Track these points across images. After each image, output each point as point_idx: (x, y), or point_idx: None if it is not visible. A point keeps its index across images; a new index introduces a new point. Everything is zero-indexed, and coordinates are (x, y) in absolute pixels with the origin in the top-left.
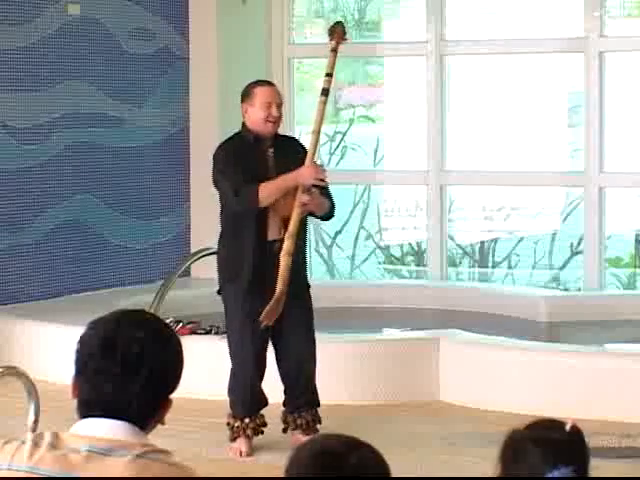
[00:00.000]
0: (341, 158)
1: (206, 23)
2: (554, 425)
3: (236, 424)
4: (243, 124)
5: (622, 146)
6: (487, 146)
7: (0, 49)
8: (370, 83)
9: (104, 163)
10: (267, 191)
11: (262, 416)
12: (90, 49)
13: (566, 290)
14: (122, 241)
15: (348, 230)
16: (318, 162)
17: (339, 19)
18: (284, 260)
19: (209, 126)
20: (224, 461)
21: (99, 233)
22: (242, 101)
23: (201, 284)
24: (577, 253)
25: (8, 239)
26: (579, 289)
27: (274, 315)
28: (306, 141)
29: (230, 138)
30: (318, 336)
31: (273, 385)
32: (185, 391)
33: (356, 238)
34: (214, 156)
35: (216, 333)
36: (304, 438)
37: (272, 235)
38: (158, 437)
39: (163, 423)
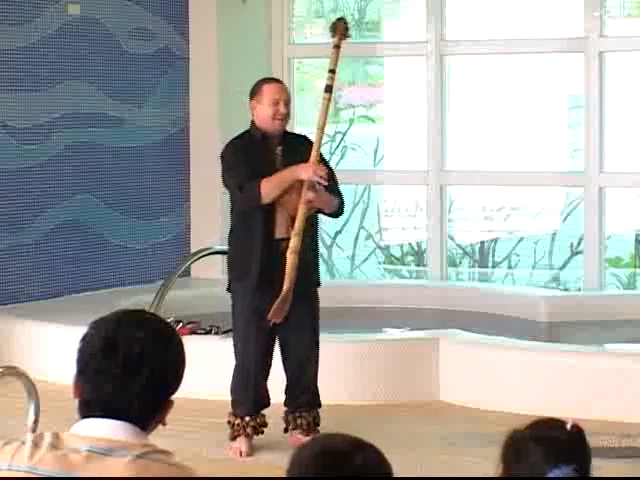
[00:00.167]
0: (341, 158)
1: (206, 23)
2: (555, 424)
3: (236, 422)
4: (252, 122)
5: (622, 146)
6: (487, 146)
7: (0, 49)
8: (370, 83)
9: (104, 163)
10: (268, 187)
11: (263, 416)
12: (90, 49)
13: (566, 290)
14: (122, 241)
15: (348, 230)
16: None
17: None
18: (290, 258)
19: (209, 126)
20: (224, 461)
21: (99, 233)
22: (250, 98)
23: (201, 284)
24: (577, 253)
25: (8, 239)
26: (579, 289)
27: (281, 313)
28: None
29: (239, 136)
30: None
31: (273, 385)
32: (185, 391)
33: (356, 238)
34: (222, 154)
35: (216, 333)
36: (304, 438)
37: (280, 233)
38: (158, 437)
39: (164, 424)
